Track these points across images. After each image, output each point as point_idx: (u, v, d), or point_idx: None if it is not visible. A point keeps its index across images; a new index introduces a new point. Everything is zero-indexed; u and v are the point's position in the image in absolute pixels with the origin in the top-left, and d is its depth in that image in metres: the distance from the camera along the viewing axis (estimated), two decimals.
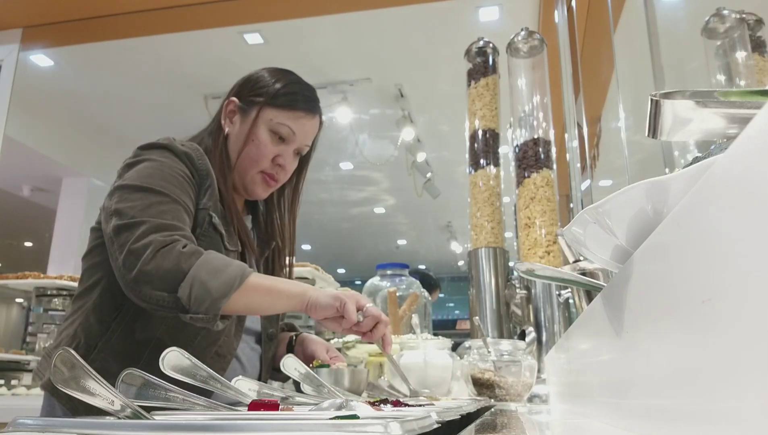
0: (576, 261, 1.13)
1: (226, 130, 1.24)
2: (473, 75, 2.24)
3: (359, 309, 1.05)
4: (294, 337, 1.36)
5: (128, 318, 1.08)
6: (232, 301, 0.97)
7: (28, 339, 4.03)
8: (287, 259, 1.36)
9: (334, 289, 3.13)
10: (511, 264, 2.04)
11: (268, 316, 1.27)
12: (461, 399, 1.22)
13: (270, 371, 1.31)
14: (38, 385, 1.14)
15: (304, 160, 1.34)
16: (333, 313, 1.03)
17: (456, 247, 8.94)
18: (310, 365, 1.18)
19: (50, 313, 3.97)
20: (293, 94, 1.23)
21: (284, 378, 1.32)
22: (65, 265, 5.12)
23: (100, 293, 1.11)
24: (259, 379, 1.25)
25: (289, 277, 1.36)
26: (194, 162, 1.14)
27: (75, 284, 1.33)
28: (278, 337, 1.36)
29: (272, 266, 1.34)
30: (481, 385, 1.46)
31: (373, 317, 1.07)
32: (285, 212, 1.36)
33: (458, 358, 1.65)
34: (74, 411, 1.05)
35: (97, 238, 1.14)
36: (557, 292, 1.83)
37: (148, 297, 0.97)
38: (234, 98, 1.25)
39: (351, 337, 1.88)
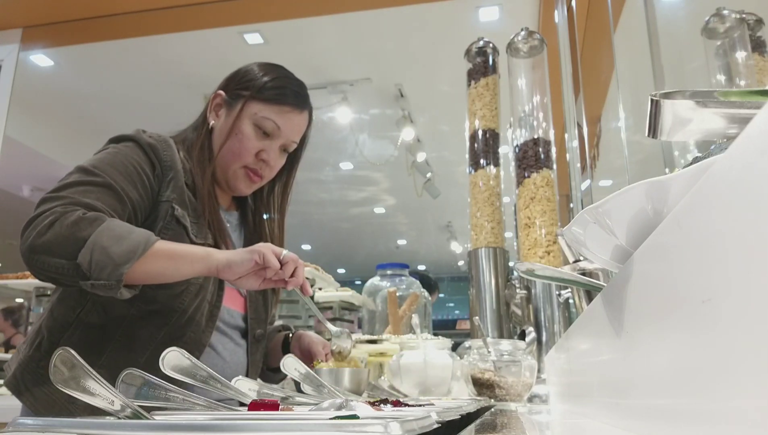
0: (576, 261, 1.13)
1: (211, 123, 1.23)
2: (473, 75, 2.23)
3: (277, 256, 1.02)
4: (290, 335, 1.35)
5: (91, 314, 1.06)
6: (135, 268, 0.93)
7: None
8: None
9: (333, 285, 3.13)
10: (511, 264, 2.04)
11: (256, 316, 1.25)
12: (461, 399, 1.22)
13: (258, 372, 1.30)
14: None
15: (294, 158, 1.31)
16: (252, 267, 1.00)
17: (456, 247, 8.93)
18: (311, 365, 1.18)
19: None
20: (281, 88, 1.21)
21: (276, 381, 1.31)
22: None
23: (63, 289, 1.10)
24: (246, 376, 1.24)
25: None
26: (158, 153, 1.12)
27: None
28: (273, 339, 1.35)
29: None
30: (481, 385, 1.46)
31: (292, 260, 1.03)
32: (274, 212, 1.34)
33: (458, 358, 1.65)
34: (35, 411, 1.03)
35: None
36: (557, 292, 1.83)
37: (46, 265, 0.94)
38: (221, 92, 1.24)
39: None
